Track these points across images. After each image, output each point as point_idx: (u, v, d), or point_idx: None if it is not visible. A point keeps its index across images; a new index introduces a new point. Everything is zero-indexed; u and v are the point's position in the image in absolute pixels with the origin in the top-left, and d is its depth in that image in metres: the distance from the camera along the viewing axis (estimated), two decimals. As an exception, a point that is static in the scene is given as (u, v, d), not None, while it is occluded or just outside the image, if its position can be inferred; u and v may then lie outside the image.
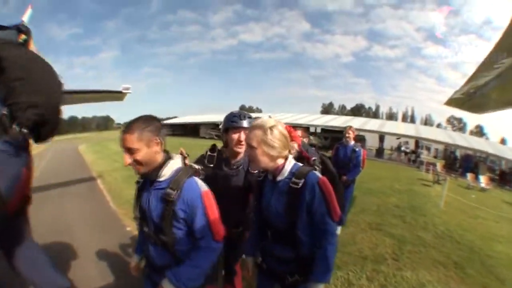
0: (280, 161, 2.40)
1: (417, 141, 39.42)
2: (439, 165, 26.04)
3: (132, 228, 6.91)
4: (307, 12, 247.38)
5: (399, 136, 38.19)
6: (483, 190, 20.56)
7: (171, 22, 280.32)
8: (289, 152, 2.44)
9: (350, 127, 7.45)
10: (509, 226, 10.40)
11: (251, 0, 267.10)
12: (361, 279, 5.06)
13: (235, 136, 3.08)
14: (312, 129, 43.62)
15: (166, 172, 2.30)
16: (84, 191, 11.61)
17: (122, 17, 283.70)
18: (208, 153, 3.31)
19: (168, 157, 2.36)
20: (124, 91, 13.39)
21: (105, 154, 23.93)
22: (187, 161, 2.62)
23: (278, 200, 2.42)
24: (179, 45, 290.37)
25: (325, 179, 2.33)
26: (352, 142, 7.28)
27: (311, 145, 4.95)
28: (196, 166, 2.48)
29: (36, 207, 3.33)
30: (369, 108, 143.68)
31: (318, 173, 2.36)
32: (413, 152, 37.61)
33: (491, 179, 25.02)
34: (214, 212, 2.31)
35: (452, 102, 7.21)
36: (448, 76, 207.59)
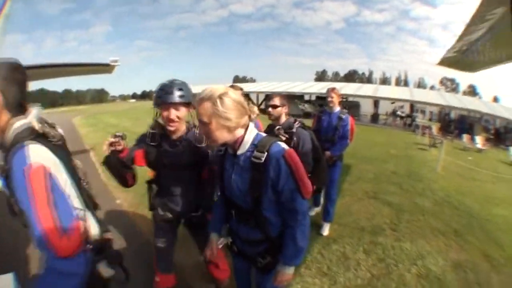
0: (239, 132, 2.10)
1: (412, 104, 39.11)
2: (435, 128, 25.89)
3: (121, 201, 6.97)
4: None
5: (393, 100, 37.93)
6: (479, 151, 20.39)
7: None
8: (249, 118, 2.17)
9: (333, 89, 5.79)
10: (506, 187, 10.33)
11: None
12: (357, 252, 4.92)
13: (165, 114, 2.71)
14: (307, 97, 43.35)
15: None
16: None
17: None
18: (150, 130, 2.94)
19: None
20: (111, 63, 13.21)
21: (100, 127, 23.31)
22: (122, 143, 2.68)
23: (240, 176, 2.16)
24: (170, 18, 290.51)
25: (291, 150, 2.07)
26: (337, 108, 5.71)
27: (293, 116, 4.25)
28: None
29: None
30: (363, 74, 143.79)
31: (283, 144, 2.08)
32: (408, 116, 37.48)
33: (487, 139, 24.89)
34: None
35: (445, 61, 7.28)
36: (438, 37, 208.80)
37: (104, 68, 13.89)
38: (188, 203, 3.01)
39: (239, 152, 2.14)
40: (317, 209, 6.43)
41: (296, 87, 43.29)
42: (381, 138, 20.59)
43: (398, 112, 39.11)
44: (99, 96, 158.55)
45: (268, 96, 4.99)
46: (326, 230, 5.62)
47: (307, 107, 37.74)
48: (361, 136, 16.62)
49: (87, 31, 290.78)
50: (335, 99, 5.70)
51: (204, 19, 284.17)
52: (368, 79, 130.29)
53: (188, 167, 2.93)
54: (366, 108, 40.29)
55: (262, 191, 2.08)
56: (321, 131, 5.67)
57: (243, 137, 2.11)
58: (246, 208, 2.20)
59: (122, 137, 2.72)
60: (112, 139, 2.67)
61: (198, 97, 2.03)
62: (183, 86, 2.69)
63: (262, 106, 48.11)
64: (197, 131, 2.88)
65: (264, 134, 2.17)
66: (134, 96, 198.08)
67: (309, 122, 4.79)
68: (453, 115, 37.09)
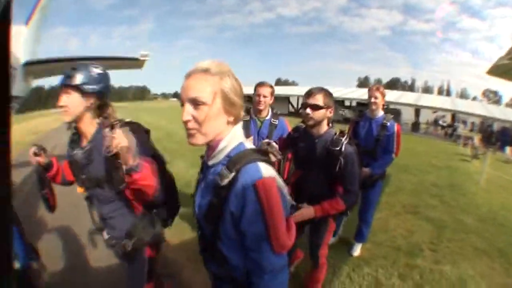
0: (225, 133, 1.53)
1: (454, 114, 38.24)
2: (477, 139, 25.02)
3: None
4: None
5: (435, 109, 37.13)
6: None
7: None
8: (235, 120, 1.57)
9: (378, 87, 4.70)
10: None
11: None
12: (392, 277, 4.39)
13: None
14: (347, 103, 43.13)
15: None
16: None
17: None
18: (72, 131, 2.43)
19: None
20: (141, 57, 13.02)
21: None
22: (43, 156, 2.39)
23: (202, 195, 1.65)
24: (215, 18, 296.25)
25: (270, 180, 1.45)
26: (381, 113, 4.66)
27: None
28: None
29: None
30: (405, 82, 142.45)
31: (264, 167, 1.46)
32: (450, 126, 36.34)
33: (532, 152, 23.81)
34: None
35: (495, 70, 7.09)
36: (483, 49, 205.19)
37: (134, 62, 13.72)
38: (119, 229, 2.41)
39: (210, 162, 1.59)
40: (333, 239, 5.23)
41: (337, 92, 42.53)
42: (421, 147, 19.87)
43: (440, 122, 38.28)
44: (141, 94, 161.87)
45: (308, 92, 3.15)
46: (357, 251, 4.99)
47: (347, 113, 36.94)
48: (402, 144, 15.98)
49: (131, 28, 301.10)
50: (379, 100, 4.58)
51: (250, 20, 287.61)
52: (410, 88, 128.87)
53: (102, 185, 2.30)
54: (407, 116, 39.52)
55: (218, 223, 1.53)
56: (359, 142, 4.03)
57: (219, 141, 1.53)
58: (206, 236, 1.66)
59: (43, 150, 2.40)
60: (34, 150, 2.36)
61: (194, 68, 1.50)
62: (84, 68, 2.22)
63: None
64: (107, 133, 2.04)
65: (249, 146, 1.58)
66: (175, 95, 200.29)
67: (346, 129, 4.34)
68: (495, 127, 36.01)
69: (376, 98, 4.61)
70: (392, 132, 4.54)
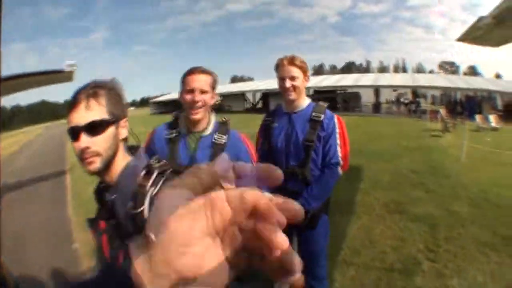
0: None
1: (414, 91, 38.84)
2: (443, 111, 24.83)
3: (79, 244, 5.83)
4: None
5: (396, 87, 37.50)
6: (495, 129, 19.60)
7: None
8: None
9: (292, 58, 2.86)
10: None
11: None
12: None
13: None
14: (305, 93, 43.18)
15: None
16: (47, 190, 10.76)
17: None
18: None
19: None
20: (67, 69, 12.11)
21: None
22: None
23: None
24: (168, 20, 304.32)
25: None
26: (307, 102, 2.99)
27: None
28: None
29: None
30: (360, 65, 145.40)
31: None
32: (412, 102, 36.79)
33: (500, 117, 23.74)
34: None
35: (467, 37, 7.23)
36: (435, 23, 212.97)
37: (61, 75, 12.88)
38: None
39: None
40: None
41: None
42: (387, 129, 19.32)
43: (401, 99, 38.46)
44: None
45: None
46: None
47: None
48: (365, 128, 15.37)
49: (87, 38, 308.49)
50: (301, 81, 2.86)
51: (202, 19, 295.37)
52: (365, 70, 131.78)
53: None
54: (367, 98, 39.97)
55: None
56: (273, 154, 3.00)
57: None
58: None
59: None
60: None
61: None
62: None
63: (259, 105, 48.25)
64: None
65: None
66: (133, 103, 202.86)
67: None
68: (458, 96, 36.48)
69: (293, 78, 2.82)
70: (332, 129, 2.84)
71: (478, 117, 21.85)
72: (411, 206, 6.22)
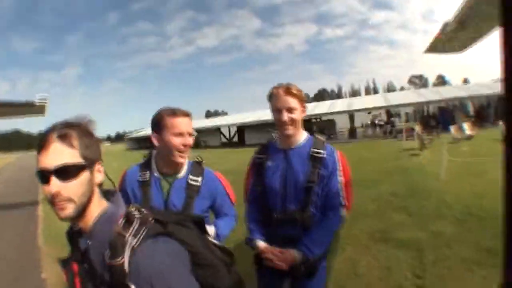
0: None
1: (388, 110, 39.18)
2: (418, 128, 25.24)
3: (47, 274, 5.78)
4: (256, 9, 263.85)
5: (370, 110, 37.91)
6: (469, 138, 20.18)
7: (129, 34, 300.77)
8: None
9: (288, 87, 2.52)
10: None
11: (202, 5, 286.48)
12: None
13: None
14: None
15: None
16: (18, 219, 10.92)
17: (82, 31, 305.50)
18: None
19: None
20: (39, 102, 12.01)
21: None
22: None
23: None
24: (138, 58, 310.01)
25: None
26: (304, 136, 2.65)
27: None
28: None
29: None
30: (332, 91, 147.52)
31: None
32: (387, 123, 37.27)
33: (473, 123, 24.21)
34: None
35: (434, 46, 7.61)
36: (398, 38, 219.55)
37: (33, 108, 12.92)
38: None
39: None
40: None
41: (265, 116, 42.54)
42: (365, 154, 19.34)
43: (376, 121, 38.94)
44: None
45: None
46: None
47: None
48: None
49: (59, 73, 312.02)
50: (298, 115, 2.52)
51: (172, 56, 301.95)
52: (338, 95, 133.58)
53: None
54: (341, 124, 40.61)
55: None
56: (268, 197, 2.63)
57: None
58: None
59: None
60: None
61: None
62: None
63: (235, 139, 48.62)
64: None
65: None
66: (109, 138, 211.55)
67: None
68: (431, 109, 37.09)
69: (290, 110, 2.47)
70: (334, 167, 2.53)
71: (453, 128, 22.34)
72: (396, 232, 6.16)
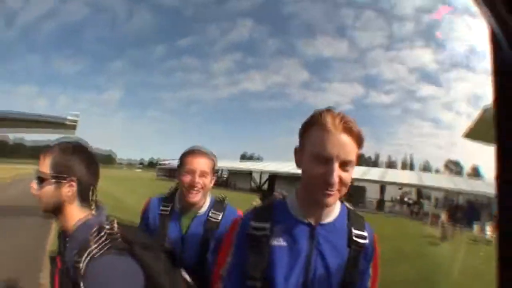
0: None
1: (419, 190, 38.86)
2: (444, 216, 25.12)
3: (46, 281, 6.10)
4: (305, 60, 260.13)
5: (401, 185, 37.42)
6: (488, 242, 19.04)
7: (176, 68, 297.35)
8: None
9: (328, 110, 1.51)
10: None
11: (250, 49, 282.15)
12: None
13: None
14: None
15: None
16: (36, 222, 11.29)
17: (127, 58, 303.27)
18: None
19: None
20: (69, 122, 12.92)
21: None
22: None
23: None
24: (183, 91, 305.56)
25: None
26: (337, 206, 1.63)
27: None
28: None
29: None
30: (369, 157, 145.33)
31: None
32: (416, 203, 36.68)
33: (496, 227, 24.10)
34: None
35: (474, 132, 7.49)
36: (443, 117, 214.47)
37: (64, 125, 13.25)
38: None
39: None
40: None
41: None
42: (388, 230, 19.34)
43: (406, 199, 38.33)
44: (106, 159, 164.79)
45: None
46: None
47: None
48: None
49: (100, 96, 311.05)
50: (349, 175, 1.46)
51: (216, 95, 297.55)
52: (374, 164, 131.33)
53: None
54: (371, 193, 39.68)
55: None
56: None
57: None
58: None
59: None
60: None
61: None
62: None
63: (265, 187, 47.76)
64: None
65: None
66: (141, 163, 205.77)
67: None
68: (460, 200, 36.47)
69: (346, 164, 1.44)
70: (371, 258, 1.65)
71: (476, 227, 22.16)
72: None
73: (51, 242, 8.77)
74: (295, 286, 1.46)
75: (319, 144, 1.42)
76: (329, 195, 1.42)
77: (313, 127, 1.48)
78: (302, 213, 1.56)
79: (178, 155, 2.51)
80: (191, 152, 2.43)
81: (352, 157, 1.44)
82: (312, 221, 1.54)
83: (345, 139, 1.42)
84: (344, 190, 1.48)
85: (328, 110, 1.50)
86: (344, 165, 1.41)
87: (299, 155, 1.60)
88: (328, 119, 1.43)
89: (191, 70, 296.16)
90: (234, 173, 47.71)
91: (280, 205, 1.63)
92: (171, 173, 58.72)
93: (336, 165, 1.38)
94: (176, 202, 2.49)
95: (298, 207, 1.59)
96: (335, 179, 1.37)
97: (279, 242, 1.51)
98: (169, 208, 2.46)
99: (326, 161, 1.39)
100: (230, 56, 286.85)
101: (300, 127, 1.62)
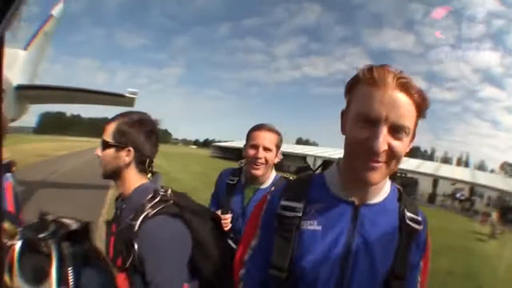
0: None
1: (472, 187, 38.08)
2: (495, 215, 24.51)
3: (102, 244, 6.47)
4: (369, 50, 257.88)
5: (454, 181, 36.64)
6: None
7: (238, 48, 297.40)
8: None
9: (382, 66, 1.19)
10: None
11: (315, 34, 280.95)
12: None
13: None
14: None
15: None
16: (86, 198, 12.06)
17: (191, 35, 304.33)
18: None
19: None
20: (129, 95, 13.32)
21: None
22: None
23: None
24: (244, 72, 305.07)
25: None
26: (387, 187, 1.37)
27: None
28: None
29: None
30: (425, 151, 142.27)
31: None
32: (468, 199, 35.93)
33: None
34: None
35: None
36: (502, 120, 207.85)
37: (122, 99, 13.78)
38: None
39: None
40: None
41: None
42: (437, 223, 18.70)
43: (458, 195, 37.48)
44: (162, 137, 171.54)
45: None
46: None
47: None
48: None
49: (159, 71, 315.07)
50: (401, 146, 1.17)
51: (277, 77, 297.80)
52: (430, 157, 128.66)
53: None
54: (424, 186, 39.07)
55: None
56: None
57: None
58: None
59: None
60: None
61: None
62: None
63: (318, 172, 47.57)
64: None
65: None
66: (196, 142, 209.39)
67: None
68: None
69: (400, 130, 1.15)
70: (423, 252, 1.34)
71: None
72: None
73: (106, 212, 9.42)
74: (327, 280, 1.21)
75: (364, 101, 1.16)
76: (373, 168, 1.15)
77: (360, 82, 1.21)
78: (343, 190, 1.30)
79: (234, 136, 2.52)
80: (257, 128, 2.53)
81: (408, 122, 1.15)
82: (356, 201, 1.27)
83: (399, 97, 1.13)
84: (394, 165, 1.21)
85: (382, 65, 1.20)
86: (395, 130, 1.14)
87: (344, 118, 1.31)
88: (379, 72, 1.15)
89: (254, 51, 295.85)
90: (289, 156, 47.61)
91: (318, 181, 1.38)
92: (225, 152, 60.34)
93: (383, 129, 1.12)
94: (242, 175, 2.63)
95: (339, 184, 1.32)
96: (381, 145, 1.10)
97: (313, 225, 1.26)
98: (235, 180, 2.62)
99: (372, 123, 1.13)
100: (294, 40, 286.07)
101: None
